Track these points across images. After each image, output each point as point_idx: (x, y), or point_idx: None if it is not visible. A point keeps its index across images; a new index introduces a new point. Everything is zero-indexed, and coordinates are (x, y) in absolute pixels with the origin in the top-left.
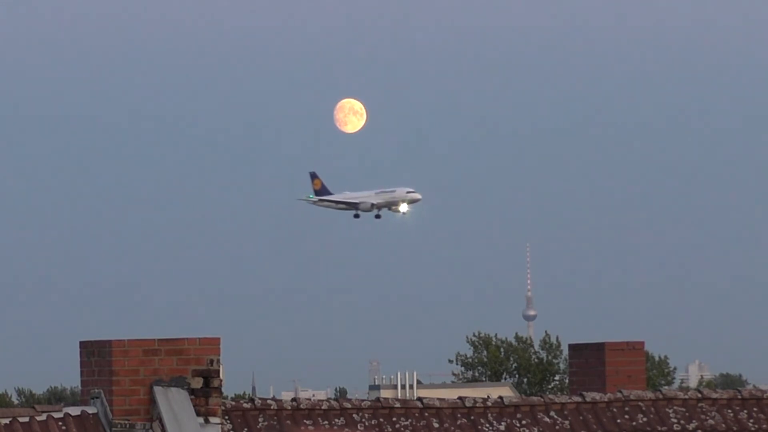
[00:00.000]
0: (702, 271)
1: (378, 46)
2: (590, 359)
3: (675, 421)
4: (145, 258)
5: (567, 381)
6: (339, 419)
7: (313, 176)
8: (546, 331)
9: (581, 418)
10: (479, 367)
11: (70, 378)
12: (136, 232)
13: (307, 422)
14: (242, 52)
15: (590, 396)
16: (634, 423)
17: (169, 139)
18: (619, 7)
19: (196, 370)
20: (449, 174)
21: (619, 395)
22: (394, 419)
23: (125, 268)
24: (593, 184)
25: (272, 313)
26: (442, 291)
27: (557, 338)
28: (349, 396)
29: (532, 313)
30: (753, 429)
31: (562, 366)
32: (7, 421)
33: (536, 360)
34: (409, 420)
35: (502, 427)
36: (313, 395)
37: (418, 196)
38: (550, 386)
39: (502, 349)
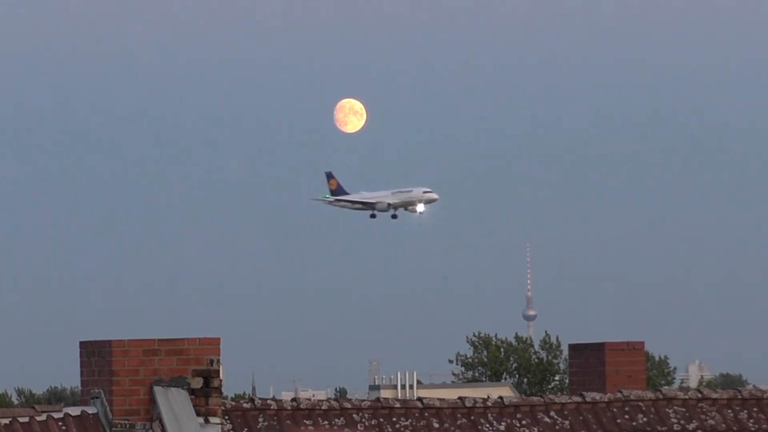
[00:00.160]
0: (702, 271)
1: (378, 46)
2: (590, 359)
3: (675, 421)
4: (145, 258)
5: (567, 381)
6: (339, 419)
7: (329, 176)
8: (546, 331)
9: (581, 418)
10: (479, 367)
11: (70, 378)
12: (136, 232)
13: (307, 422)
14: (242, 52)
15: (590, 396)
16: (634, 423)
17: (168, 139)
18: (620, 7)
19: (196, 370)
20: (449, 174)
21: (619, 395)
22: (394, 419)
23: (125, 268)
24: (593, 184)
25: (272, 313)
26: (442, 291)
27: (557, 338)
28: (349, 396)
29: (532, 313)
30: (753, 429)
31: (562, 366)
32: (7, 421)
33: (536, 360)
34: (409, 420)
35: (502, 427)
36: (313, 395)
37: (434, 196)
38: (550, 386)
39: (502, 349)
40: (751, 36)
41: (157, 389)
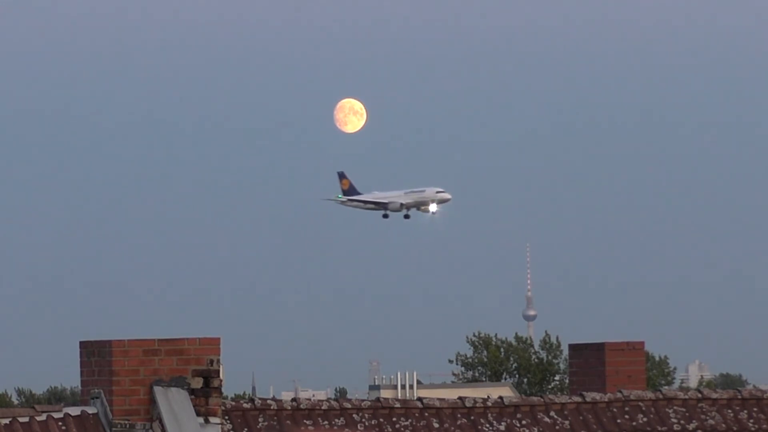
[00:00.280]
0: (702, 271)
1: (378, 46)
2: (590, 359)
3: (675, 421)
4: (145, 258)
5: (567, 381)
6: (339, 419)
7: (341, 176)
8: (546, 331)
9: (581, 418)
10: (479, 367)
11: (70, 378)
12: (136, 232)
13: (307, 422)
14: (242, 52)
15: (590, 396)
16: (634, 423)
17: (168, 140)
18: (620, 6)
19: (196, 370)
20: (448, 174)
21: (619, 395)
22: (394, 419)
23: (125, 268)
24: (593, 184)
25: (272, 313)
26: (442, 291)
27: (557, 338)
28: (349, 396)
29: (532, 313)
30: (753, 429)
31: (562, 366)
32: (7, 421)
33: (536, 360)
34: (409, 420)
35: (502, 427)
36: (313, 395)
37: (447, 196)
38: (550, 386)
39: (502, 349)
40: (751, 36)
41: (157, 389)
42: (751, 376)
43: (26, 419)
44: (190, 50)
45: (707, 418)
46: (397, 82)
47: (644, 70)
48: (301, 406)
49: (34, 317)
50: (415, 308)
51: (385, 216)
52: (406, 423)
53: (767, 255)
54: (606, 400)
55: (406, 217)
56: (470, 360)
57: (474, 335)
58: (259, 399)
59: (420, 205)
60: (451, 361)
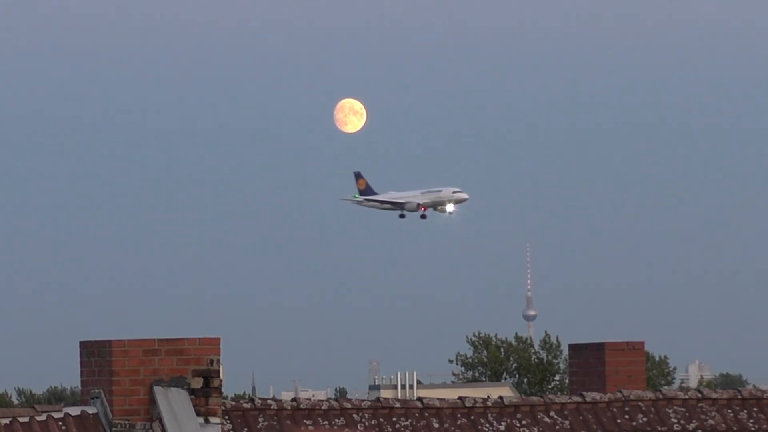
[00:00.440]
0: (702, 271)
1: (378, 46)
2: (590, 359)
3: (675, 421)
4: (144, 258)
5: (567, 381)
6: (339, 419)
7: (358, 176)
8: (546, 331)
9: (581, 418)
10: (479, 367)
11: (70, 378)
12: (136, 232)
13: (307, 422)
14: (242, 52)
15: (590, 396)
16: (634, 423)
17: (168, 140)
18: (620, 7)
19: (196, 370)
20: (448, 174)
21: (619, 395)
22: (394, 419)
23: (125, 268)
24: (593, 184)
25: (272, 313)
26: (442, 291)
27: (557, 338)
28: (349, 396)
29: (532, 313)
30: (753, 429)
31: (562, 366)
32: (7, 421)
33: (536, 360)
34: (409, 420)
35: (502, 427)
36: (313, 395)
37: (464, 195)
38: (550, 386)
39: (502, 349)
40: (752, 36)
41: (157, 389)
42: (751, 376)
43: (26, 419)
44: (190, 50)
45: (707, 418)
46: (397, 82)
47: (643, 71)
48: (301, 406)
49: (34, 317)
50: (415, 308)
51: (402, 216)
52: (406, 423)
53: (767, 255)
54: (606, 400)
55: (423, 217)
56: (470, 360)
57: (474, 335)
58: (259, 399)
59: (437, 205)
60: (451, 361)
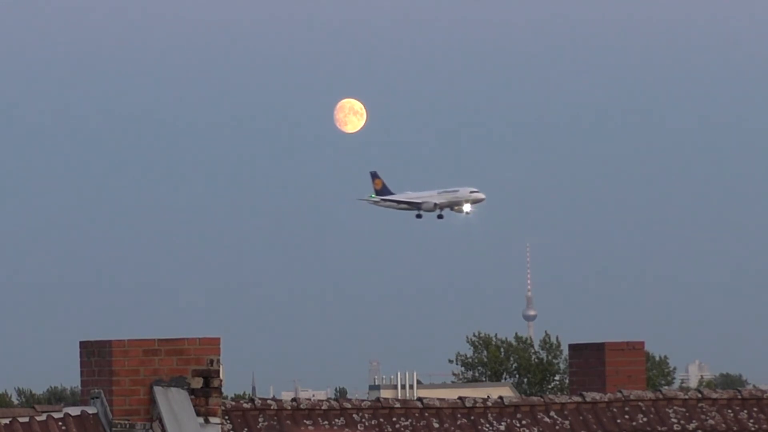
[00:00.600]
0: (702, 271)
1: (378, 46)
2: (590, 359)
3: (675, 421)
4: (145, 258)
5: (567, 381)
6: (339, 419)
7: (374, 176)
8: (546, 331)
9: (581, 418)
10: (479, 367)
11: (70, 378)
12: (136, 232)
13: (307, 422)
14: (242, 52)
15: (590, 396)
16: (634, 423)
17: (168, 139)
18: (621, 6)
19: (196, 370)
20: (448, 174)
21: (619, 395)
22: (394, 419)
23: (125, 268)
24: (593, 184)
25: (272, 313)
26: (442, 291)
27: (557, 338)
28: (349, 396)
29: (532, 313)
30: (753, 429)
31: (562, 366)
32: (7, 421)
33: (536, 360)
34: (409, 420)
35: (502, 427)
36: (313, 395)
37: (481, 195)
38: (550, 386)
39: (502, 349)
40: (752, 37)
41: (157, 389)
42: (751, 376)
43: (26, 419)
44: (191, 50)
45: (707, 418)
46: (397, 82)
47: (643, 71)
48: (301, 406)
49: (34, 317)
50: (415, 308)
51: (419, 216)
52: (406, 423)
53: (767, 255)
54: (606, 400)
55: (440, 217)
56: (470, 360)
57: (474, 335)
58: (259, 399)
59: (453, 205)
60: (451, 361)
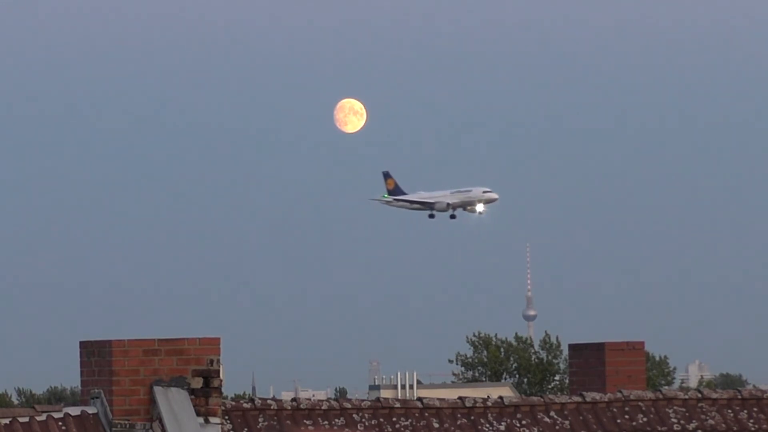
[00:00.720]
0: (702, 271)
1: (378, 46)
2: (590, 359)
3: (675, 421)
4: (145, 258)
5: (567, 381)
6: (339, 419)
7: (386, 176)
8: (546, 331)
9: (581, 418)
10: (479, 367)
11: (70, 378)
12: (136, 232)
13: (307, 422)
14: (242, 52)
15: (590, 396)
16: (634, 423)
17: (168, 139)
18: (620, 6)
19: (196, 370)
20: (448, 174)
21: (619, 395)
22: (394, 419)
23: (125, 268)
24: (593, 184)
25: (272, 313)
26: (443, 291)
27: (557, 338)
28: (349, 396)
29: (532, 313)
30: (753, 429)
31: (562, 366)
32: (7, 421)
33: (536, 360)
34: (409, 420)
35: (502, 427)
36: (313, 395)
37: (494, 195)
38: (550, 386)
39: (502, 349)
40: (752, 37)
41: (157, 389)
42: (751, 376)
43: (26, 419)
44: (191, 50)
45: (707, 418)
46: (397, 82)
47: (643, 70)
48: (301, 406)
49: (34, 317)
50: (415, 308)
51: (431, 216)
52: (406, 423)
53: (767, 255)
54: (606, 400)
55: (452, 217)
56: (470, 360)
57: (474, 335)
58: (259, 399)
59: (466, 205)
60: (451, 361)
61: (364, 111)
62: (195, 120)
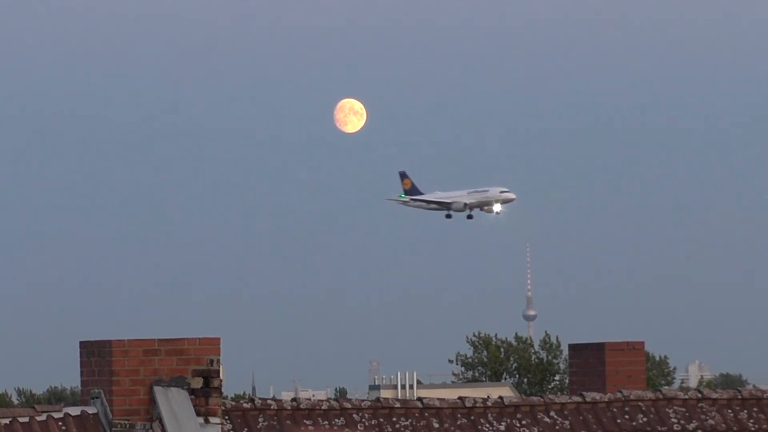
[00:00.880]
0: (702, 271)
1: (378, 46)
2: (590, 359)
3: (675, 421)
4: (145, 258)
5: (567, 381)
6: (339, 419)
7: (403, 176)
8: (546, 331)
9: (581, 418)
10: (479, 367)
11: (70, 378)
12: (136, 232)
13: (307, 422)
14: (242, 52)
15: (590, 396)
16: (634, 423)
17: (168, 139)
18: (621, 6)
19: (196, 370)
20: (448, 174)
21: (619, 395)
22: (394, 419)
23: (125, 268)
24: (593, 184)
25: (272, 313)
26: (442, 291)
27: (557, 338)
28: (349, 396)
29: (532, 313)
30: (753, 429)
31: (562, 366)
32: (7, 421)
33: (536, 360)
34: (409, 420)
35: (502, 427)
36: (313, 395)
37: (512, 195)
38: (550, 386)
39: (502, 349)
40: (752, 37)
41: (157, 389)
42: (751, 376)
43: (26, 419)
44: (191, 50)
45: (707, 418)
46: (397, 82)
47: (643, 70)
48: (301, 406)
49: (34, 317)
50: (415, 308)
51: (448, 216)
52: (406, 423)
53: (767, 255)
54: (606, 400)
55: (469, 217)
56: (470, 360)
57: (474, 335)
58: (259, 399)
59: (483, 205)
60: (451, 361)
61: (364, 111)
62: (195, 120)
